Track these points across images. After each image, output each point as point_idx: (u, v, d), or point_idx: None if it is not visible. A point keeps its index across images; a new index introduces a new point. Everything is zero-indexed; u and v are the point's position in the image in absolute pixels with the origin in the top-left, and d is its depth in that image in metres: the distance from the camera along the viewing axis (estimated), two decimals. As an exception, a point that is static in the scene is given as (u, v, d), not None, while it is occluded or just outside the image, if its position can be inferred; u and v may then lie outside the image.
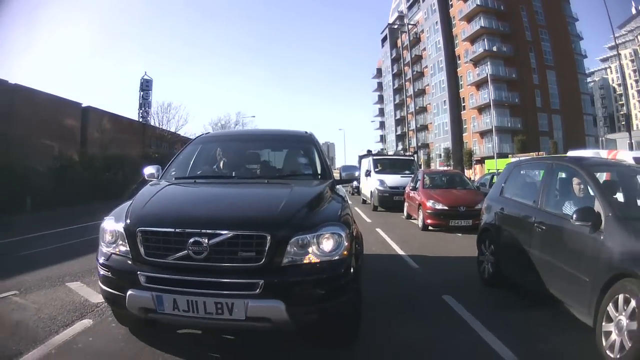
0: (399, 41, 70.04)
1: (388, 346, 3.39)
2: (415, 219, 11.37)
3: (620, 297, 3.37)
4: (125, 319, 3.37)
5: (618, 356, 3.28)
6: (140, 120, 46.63)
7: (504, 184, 5.87)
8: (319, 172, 4.25)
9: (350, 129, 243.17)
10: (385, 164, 17.08)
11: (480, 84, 43.43)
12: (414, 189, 11.81)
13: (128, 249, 2.84)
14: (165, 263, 2.72)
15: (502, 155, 34.36)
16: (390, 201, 14.37)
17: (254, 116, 67.56)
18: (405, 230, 10.49)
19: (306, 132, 5.10)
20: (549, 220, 4.44)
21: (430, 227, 10.28)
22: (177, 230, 2.72)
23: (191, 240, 2.65)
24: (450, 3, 52.21)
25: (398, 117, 72.02)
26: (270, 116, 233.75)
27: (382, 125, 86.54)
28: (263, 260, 2.65)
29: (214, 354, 3.25)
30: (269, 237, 2.65)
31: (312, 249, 2.76)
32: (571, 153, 11.44)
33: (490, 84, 39.69)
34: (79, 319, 3.84)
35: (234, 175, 4.12)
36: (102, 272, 2.96)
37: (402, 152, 26.16)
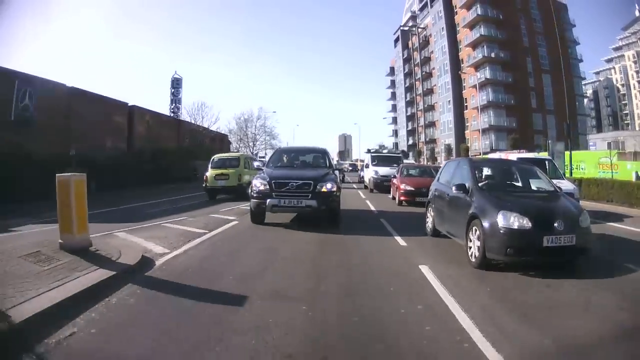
0: (410, 42, 74.62)
1: (349, 228, 8.52)
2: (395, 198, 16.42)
3: (473, 228, 6.03)
4: (256, 218, 8.80)
5: (474, 260, 5.97)
6: (171, 115, 51.49)
7: (440, 174, 9.00)
8: (327, 165, 9.97)
9: (366, 121, 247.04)
10: (379, 159, 22.21)
11: (480, 86, 47.91)
12: (395, 176, 16.86)
13: (268, 187, 8.24)
14: (280, 191, 8.14)
15: (498, 151, 38.84)
16: (382, 185, 19.42)
17: (274, 112, 73.07)
18: (385, 203, 15.39)
19: (322, 148, 11.17)
20: (451, 192, 7.28)
21: (403, 203, 14.64)
22: (284, 181, 8.13)
23: (289, 183, 8.11)
24: (455, 10, 56.53)
25: (409, 113, 76.66)
26: (289, 109, 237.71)
27: (394, 120, 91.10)
28: (310, 189, 8.03)
29: (289, 228, 8.43)
30: (312, 183, 8.05)
31: (324, 187, 8.11)
32: (492, 155, 16.21)
33: (489, 87, 44.16)
34: (228, 223, 9.19)
35: (294, 165, 9.79)
36: (255, 195, 8.34)
37: (394, 150, 30.80)
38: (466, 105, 53.36)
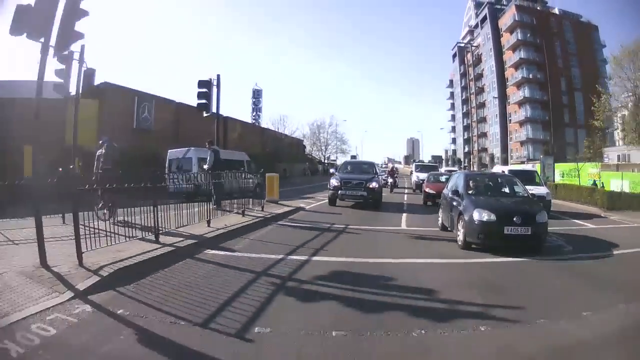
0: (465, 58, 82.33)
1: (383, 209, 17.49)
2: (424, 197, 25.70)
3: (460, 221, 8.76)
4: (331, 202, 17.28)
5: (459, 243, 8.67)
6: (253, 121, 61.45)
7: (448, 183, 11.94)
8: (374, 172, 18.57)
9: (431, 126, 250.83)
10: (421, 167, 31.70)
11: (520, 104, 55.48)
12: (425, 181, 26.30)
13: (339, 184, 16.64)
14: (346, 186, 16.82)
15: (533, 160, 46.44)
16: (421, 187, 28.90)
17: (345, 120, 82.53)
18: (416, 201, 24.03)
19: (371, 161, 21.36)
20: (449, 196, 10.29)
21: (427, 203, 19.02)
22: (348, 180, 16.95)
23: (351, 181, 16.74)
24: (501, 33, 64.07)
25: (465, 124, 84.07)
26: (357, 113, 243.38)
27: (453, 129, 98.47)
28: (364, 185, 16.45)
29: (349, 207, 17.86)
30: (365, 182, 16.56)
31: (370, 184, 16.42)
32: (496, 168, 25.19)
33: (527, 104, 51.86)
34: (321, 201, 19.05)
35: (354, 171, 18.85)
36: (332, 188, 16.96)
37: (432, 160, 39.53)
38: (510, 119, 60.72)
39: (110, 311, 4.35)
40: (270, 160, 37.73)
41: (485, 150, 69.52)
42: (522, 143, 55.42)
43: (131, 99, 27.80)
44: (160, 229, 7.60)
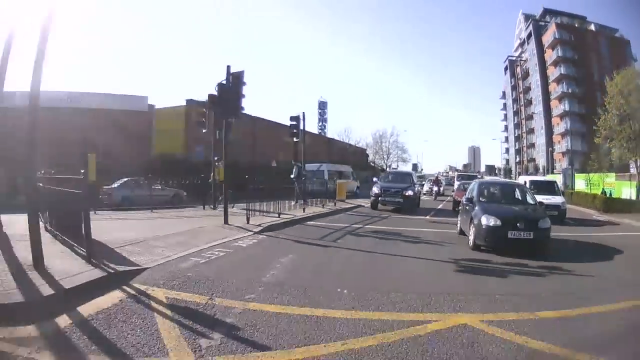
0: (515, 71, 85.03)
1: (415, 213, 19.43)
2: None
3: (471, 225, 9.84)
4: (373, 206, 20.26)
5: (470, 244, 9.74)
6: (319, 131, 67.06)
7: (467, 191, 12.99)
8: (410, 181, 21.18)
9: (488, 136, 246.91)
10: (462, 177, 36.02)
11: (561, 117, 58.27)
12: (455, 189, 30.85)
13: (380, 191, 19.70)
14: (385, 193, 19.70)
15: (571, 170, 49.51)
16: (461, 194, 33.30)
17: (405, 130, 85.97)
18: (449, 207, 23.93)
19: (409, 171, 28.15)
20: (466, 202, 11.21)
21: (456, 209, 19.02)
22: (387, 188, 20.12)
23: (390, 189, 19.65)
24: (544, 49, 66.89)
25: (516, 134, 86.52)
26: (417, 122, 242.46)
27: (506, 139, 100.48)
28: (400, 193, 19.41)
29: (388, 211, 22.53)
30: (401, 190, 19.43)
31: (406, 192, 19.44)
32: (520, 178, 29.85)
33: (567, 118, 54.85)
34: (366, 204, 23.84)
35: (393, 180, 21.74)
36: (373, 195, 20.12)
37: (472, 169, 43.51)
38: (553, 132, 63.30)
39: (273, 237, 10.77)
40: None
41: (533, 160, 71.99)
42: (563, 154, 58.05)
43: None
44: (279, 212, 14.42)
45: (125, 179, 21.60)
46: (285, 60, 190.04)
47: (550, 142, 63.58)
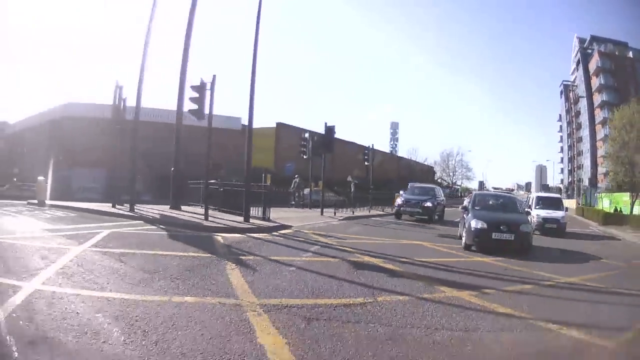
0: (568, 95, 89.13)
1: (440, 221, 24.32)
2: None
3: (464, 229, 11.99)
4: (397, 216, 22.07)
5: (462, 244, 11.82)
6: (391, 150, 74.27)
7: (468, 200, 15.11)
8: (432, 194, 22.83)
9: (549, 157, 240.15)
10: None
11: (603, 141, 62.62)
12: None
13: (403, 203, 21.59)
14: (407, 205, 21.69)
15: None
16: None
17: (470, 150, 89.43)
18: None
19: (432, 185, 27.99)
20: (462, 210, 13.86)
21: None
22: (409, 200, 22.00)
23: (411, 201, 21.53)
24: (590, 76, 71.43)
25: (569, 155, 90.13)
26: (482, 139, 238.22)
27: (561, 160, 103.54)
28: (419, 204, 21.12)
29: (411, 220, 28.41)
30: (421, 202, 21.12)
31: (425, 204, 21.13)
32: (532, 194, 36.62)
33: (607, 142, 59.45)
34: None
35: (416, 193, 23.30)
36: (397, 206, 22.41)
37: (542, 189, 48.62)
38: (598, 154, 67.41)
39: (349, 221, 18.79)
40: (405, 185, 50.88)
41: (581, 180, 75.90)
42: (604, 175, 62.33)
43: (295, 133, 35.00)
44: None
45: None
46: (359, 76, 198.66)
47: (594, 164, 67.80)
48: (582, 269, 10.08)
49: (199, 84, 13.90)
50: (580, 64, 75.30)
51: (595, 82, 67.87)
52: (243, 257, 8.29)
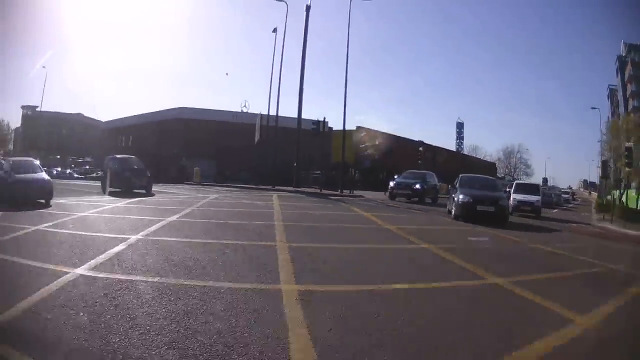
0: (613, 100, 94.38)
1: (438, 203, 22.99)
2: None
3: (453, 202, 14.62)
4: (391, 197, 23.60)
5: (452, 216, 14.65)
6: (457, 148, 79.31)
7: (456, 181, 16.30)
8: (425, 179, 23.96)
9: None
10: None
11: (634, 142, 69.29)
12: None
13: (395, 186, 23.38)
14: (399, 187, 23.42)
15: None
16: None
17: (527, 149, 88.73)
18: None
19: (426, 172, 26.58)
20: (451, 188, 17.88)
21: None
22: (401, 183, 23.52)
23: (402, 184, 23.31)
24: (625, 83, 77.59)
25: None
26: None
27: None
28: (410, 186, 22.75)
29: (404, 200, 23.96)
30: (411, 184, 22.70)
31: (415, 186, 22.62)
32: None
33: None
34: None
35: (410, 177, 24.39)
36: (390, 188, 23.82)
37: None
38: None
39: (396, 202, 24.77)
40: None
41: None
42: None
43: (369, 135, 40.69)
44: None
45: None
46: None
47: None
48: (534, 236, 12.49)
49: (316, 119, 27.64)
50: (619, 72, 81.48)
51: (630, 88, 74.45)
52: (343, 204, 18.99)
